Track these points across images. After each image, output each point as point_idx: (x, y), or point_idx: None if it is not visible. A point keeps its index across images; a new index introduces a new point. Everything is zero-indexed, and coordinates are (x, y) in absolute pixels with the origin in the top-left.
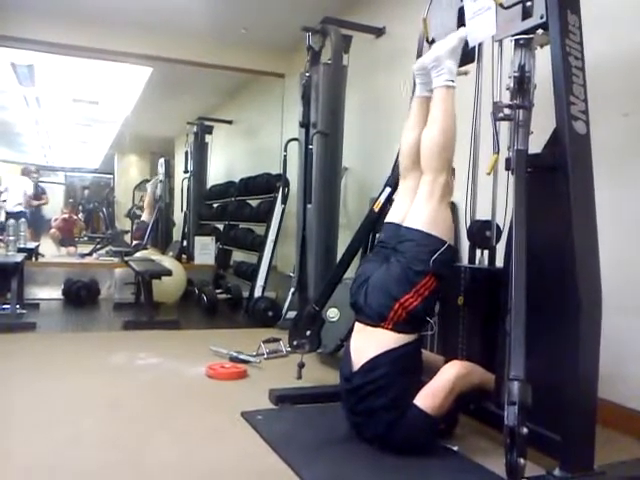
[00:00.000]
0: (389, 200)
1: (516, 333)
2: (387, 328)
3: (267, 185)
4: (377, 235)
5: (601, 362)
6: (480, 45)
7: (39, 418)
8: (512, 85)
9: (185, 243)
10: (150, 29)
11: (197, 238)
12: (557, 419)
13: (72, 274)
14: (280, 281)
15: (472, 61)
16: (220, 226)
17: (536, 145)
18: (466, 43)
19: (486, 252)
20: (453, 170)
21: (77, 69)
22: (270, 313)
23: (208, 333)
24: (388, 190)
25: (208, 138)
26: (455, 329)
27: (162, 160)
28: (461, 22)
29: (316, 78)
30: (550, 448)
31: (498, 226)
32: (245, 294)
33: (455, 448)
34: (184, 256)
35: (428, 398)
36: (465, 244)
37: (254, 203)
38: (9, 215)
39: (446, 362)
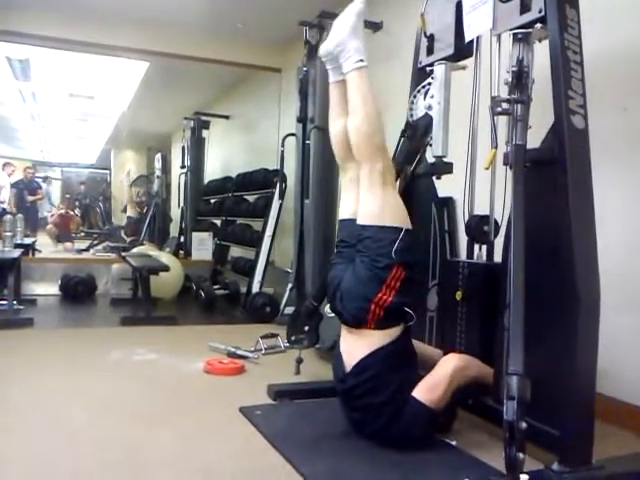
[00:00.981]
0: None
1: (514, 328)
2: (370, 328)
3: (264, 180)
4: None
5: (599, 357)
6: (478, 39)
7: (37, 414)
8: (510, 79)
9: (182, 239)
10: (146, 23)
11: (194, 234)
12: (556, 414)
13: (69, 270)
14: (278, 277)
15: (470, 55)
16: (217, 222)
17: (534, 140)
18: (463, 38)
19: (484, 247)
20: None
21: (73, 64)
22: (268, 309)
23: (206, 329)
24: None
25: (205, 133)
26: (453, 324)
27: (159, 155)
28: (459, 16)
29: (313, 73)
30: (549, 443)
31: (496, 221)
32: (243, 290)
33: (454, 443)
34: (181, 252)
35: (427, 391)
36: (463, 239)
37: (251, 198)
38: None
39: (444, 355)
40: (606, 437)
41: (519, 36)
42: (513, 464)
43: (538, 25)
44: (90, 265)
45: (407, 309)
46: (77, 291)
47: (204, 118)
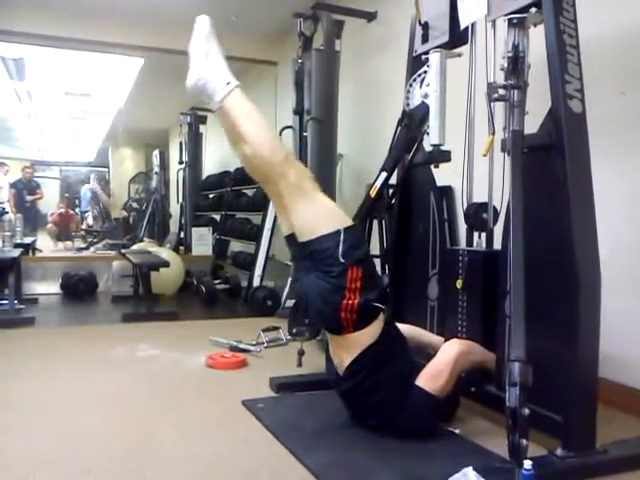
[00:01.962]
0: (386, 185)
1: (516, 314)
2: (351, 332)
3: None
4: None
5: (601, 342)
6: (473, 26)
7: (41, 412)
8: (506, 65)
9: (182, 234)
10: (140, 19)
11: (194, 229)
12: (558, 399)
13: (70, 268)
14: (278, 270)
15: (465, 42)
16: (217, 216)
17: (531, 127)
18: (457, 25)
19: (483, 235)
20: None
21: (68, 62)
22: (269, 302)
23: (207, 323)
24: (384, 175)
25: (202, 128)
26: (454, 312)
27: (157, 152)
28: (453, 3)
29: (309, 64)
30: (552, 428)
31: (495, 208)
32: (243, 284)
33: (457, 430)
34: (181, 247)
35: (430, 379)
36: (462, 227)
37: (250, 192)
38: None
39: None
40: (609, 421)
41: (514, 21)
42: (517, 450)
43: (533, 9)
44: (91, 263)
45: (376, 304)
46: (78, 289)
47: (201, 113)
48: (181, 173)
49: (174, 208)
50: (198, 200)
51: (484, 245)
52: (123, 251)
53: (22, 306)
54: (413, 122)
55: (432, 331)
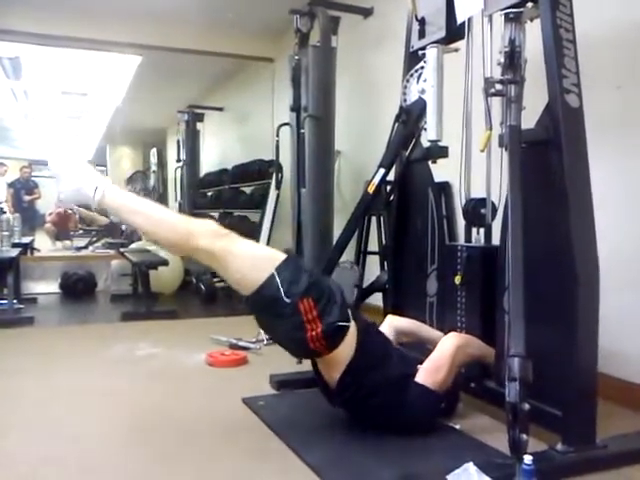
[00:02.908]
0: (383, 181)
1: (515, 310)
2: (327, 354)
3: (260, 171)
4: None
5: (600, 337)
6: (469, 21)
7: (41, 412)
8: (503, 60)
9: None
10: (137, 17)
11: None
12: (558, 394)
13: (68, 268)
14: None
15: (462, 37)
16: (215, 214)
17: (529, 122)
18: (454, 19)
19: (482, 230)
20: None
21: (64, 60)
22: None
23: (207, 322)
24: (382, 171)
25: (199, 126)
26: (453, 308)
27: (154, 150)
28: None
29: (305, 61)
30: (552, 423)
31: (493, 204)
32: None
33: (457, 426)
34: None
35: (430, 374)
36: (461, 223)
37: (248, 190)
38: None
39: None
40: (609, 416)
41: (511, 16)
42: (517, 445)
43: (529, 4)
44: (89, 262)
45: (340, 323)
46: (77, 288)
47: (198, 111)
48: (179, 171)
49: (172, 206)
50: (196, 198)
51: (482, 241)
52: (122, 250)
53: (21, 306)
54: (410, 118)
55: (431, 327)
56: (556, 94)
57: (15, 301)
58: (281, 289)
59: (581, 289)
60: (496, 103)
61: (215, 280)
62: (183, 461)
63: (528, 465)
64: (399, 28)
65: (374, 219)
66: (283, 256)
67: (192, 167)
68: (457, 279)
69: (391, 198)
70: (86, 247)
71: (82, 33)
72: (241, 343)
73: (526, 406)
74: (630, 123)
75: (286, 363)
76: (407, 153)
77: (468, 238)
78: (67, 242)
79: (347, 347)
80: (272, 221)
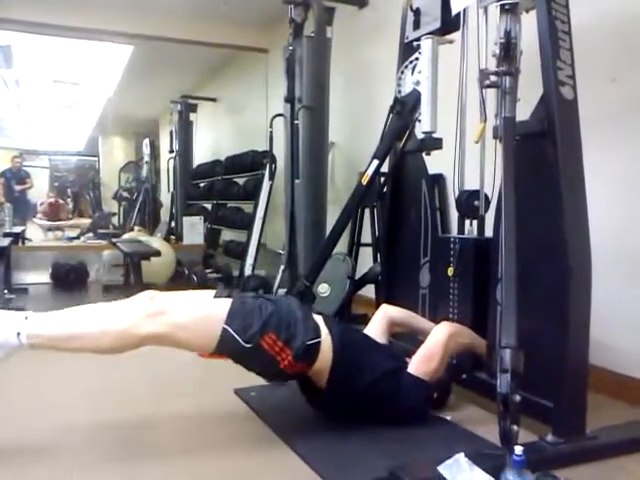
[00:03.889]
0: (377, 172)
1: (507, 301)
2: (309, 370)
3: (254, 162)
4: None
5: (593, 329)
6: (465, 12)
7: (34, 403)
8: (498, 52)
9: (173, 224)
10: (129, 6)
11: (185, 218)
12: (549, 386)
13: (60, 258)
14: (270, 259)
15: (457, 29)
16: (208, 205)
17: (523, 114)
18: (450, 10)
19: (475, 222)
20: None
21: (56, 49)
22: (261, 291)
23: None
24: (376, 162)
25: (193, 117)
26: (446, 300)
27: (147, 141)
28: None
29: (300, 52)
30: (543, 414)
31: (487, 195)
32: (235, 273)
33: (448, 417)
34: (172, 236)
35: (422, 363)
36: (454, 215)
37: (241, 181)
38: None
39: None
40: (599, 407)
41: (506, 7)
42: (508, 436)
43: None
44: (81, 252)
45: (308, 342)
46: (69, 279)
47: (191, 101)
48: (172, 162)
49: (165, 197)
50: (189, 189)
51: (475, 233)
52: (114, 240)
53: (12, 296)
54: (405, 109)
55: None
56: (551, 86)
57: (6, 291)
58: (238, 338)
59: (573, 280)
60: (491, 95)
61: (207, 271)
62: (174, 452)
63: (518, 456)
64: (394, 19)
65: (367, 211)
66: (227, 305)
67: (185, 158)
68: (450, 271)
69: (385, 189)
70: (78, 237)
71: (74, 22)
72: None
73: (517, 397)
74: (624, 115)
75: None
76: (401, 144)
77: (461, 230)
78: (59, 232)
79: (323, 361)
80: (265, 212)
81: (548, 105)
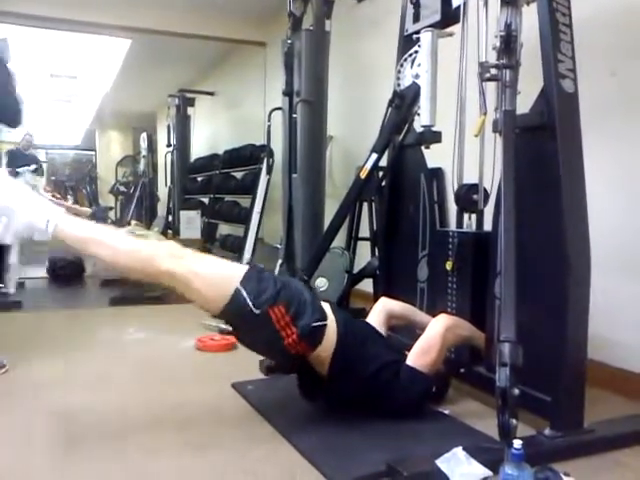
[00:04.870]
0: (376, 166)
1: (506, 295)
2: (311, 353)
3: (251, 156)
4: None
5: (592, 324)
6: (465, 4)
7: (30, 396)
8: (498, 44)
9: (170, 218)
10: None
11: (182, 212)
12: (547, 380)
13: (56, 252)
14: (267, 253)
15: (457, 21)
16: (205, 200)
17: (524, 107)
18: (450, 3)
19: (474, 216)
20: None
21: (53, 43)
22: None
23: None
24: (374, 156)
25: (190, 111)
26: (444, 294)
27: (144, 135)
28: None
29: (298, 45)
30: (541, 408)
31: (486, 189)
32: None
33: (447, 411)
34: (170, 231)
35: (420, 356)
36: (453, 209)
37: (239, 175)
38: None
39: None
40: (597, 401)
41: None
42: (506, 430)
43: None
44: None
45: (315, 324)
46: (65, 273)
47: (189, 95)
48: (169, 156)
49: (162, 191)
50: (186, 183)
51: (474, 227)
52: None
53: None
54: (404, 103)
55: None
56: (551, 79)
57: (2, 285)
58: (249, 302)
59: (572, 275)
60: (491, 88)
61: None
62: (171, 445)
63: (517, 450)
64: (393, 12)
65: (365, 205)
66: (245, 269)
67: (182, 152)
68: (448, 265)
69: (383, 183)
70: None
71: (71, 15)
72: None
73: (516, 391)
74: (624, 109)
75: None
76: (400, 138)
77: (460, 224)
78: None
79: (326, 346)
80: (263, 207)
81: (548, 98)
